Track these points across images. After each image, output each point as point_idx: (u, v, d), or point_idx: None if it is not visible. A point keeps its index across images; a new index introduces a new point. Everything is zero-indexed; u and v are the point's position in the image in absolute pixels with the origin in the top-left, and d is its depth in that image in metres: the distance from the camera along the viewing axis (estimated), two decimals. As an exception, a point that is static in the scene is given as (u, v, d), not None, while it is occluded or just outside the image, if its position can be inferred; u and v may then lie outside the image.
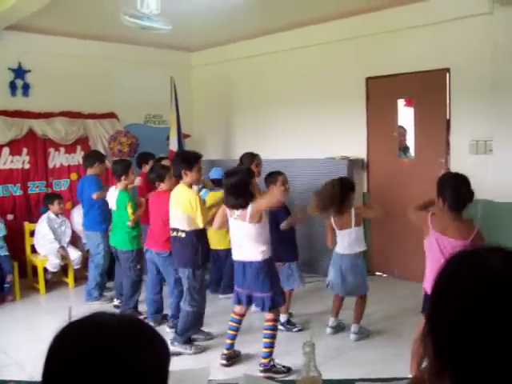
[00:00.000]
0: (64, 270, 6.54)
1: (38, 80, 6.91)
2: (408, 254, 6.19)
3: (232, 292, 4.83)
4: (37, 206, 6.83)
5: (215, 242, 5.39)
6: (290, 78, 7.34)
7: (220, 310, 5.27)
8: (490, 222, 4.85)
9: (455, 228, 3.40)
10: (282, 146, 7.38)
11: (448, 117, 5.84)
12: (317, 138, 7.03)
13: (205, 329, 4.75)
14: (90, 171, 6.02)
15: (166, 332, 4.77)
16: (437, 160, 5.92)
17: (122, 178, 5.34)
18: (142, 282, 5.43)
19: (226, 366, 4.16)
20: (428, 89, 5.99)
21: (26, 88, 6.86)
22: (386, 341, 4.61)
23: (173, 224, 4.50)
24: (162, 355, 1.03)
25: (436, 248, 3.43)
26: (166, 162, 6.60)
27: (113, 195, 5.39)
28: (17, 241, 6.45)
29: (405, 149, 6.45)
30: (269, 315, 4.03)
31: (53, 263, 6.27)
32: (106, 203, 5.65)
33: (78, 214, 6.51)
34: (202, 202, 4.54)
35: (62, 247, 6.35)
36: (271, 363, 4.00)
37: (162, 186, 5.04)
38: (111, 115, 7.60)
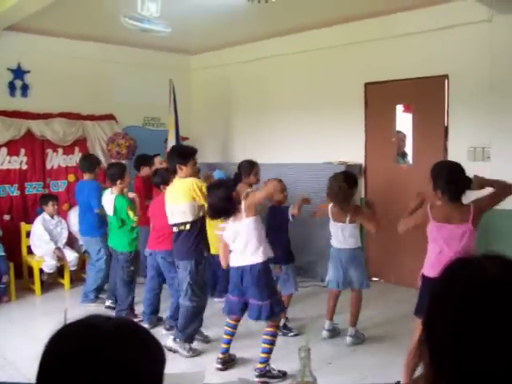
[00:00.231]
0: (60, 271, 6.53)
1: (37, 81, 6.91)
2: (405, 260, 6.19)
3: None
4: (34, 207, 6.82)
5: (212, 246, 5.38)
6: (289, 82, 7.35)
7: (216, 313, 5.25)
8: (487, 229, 4.85)
9: (457, 214, 3.41)
10: (280, 150, 7.38)
11: (446, 123, 5.85)
12: (315, 142, 7.03)
13: (203, 331, 4.74)
14: (89, 176, 6.01)
15: (162, 334, 4.76)
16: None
17: (118, 182, 5.33)
18: (134, 282, 5.43)
19: (221, 370, 4.15)
20: (426, 95, 6.00)
21: (24, 89, 6.86)
22: (382, 347, 4.60)
23: (174, 219, 4.46)
24: (157, 358, 1.02)
25: (437, 236, 3.44)
26: (157, 160, 6.65)
27: (108, 200, 5.37)
28: (13, 241, 6.43)
29: (403, 154, 6.46)
30: (272, 321, 4.01)
31: (49, 264, 6.25)
32: (102, 207, 5.63)
33: (74, 216, 6.49)
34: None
35: (58, 248, 6.34)
36: (267, 368, 3.99)
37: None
38: (110, 117, 7.59)
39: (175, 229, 4.46)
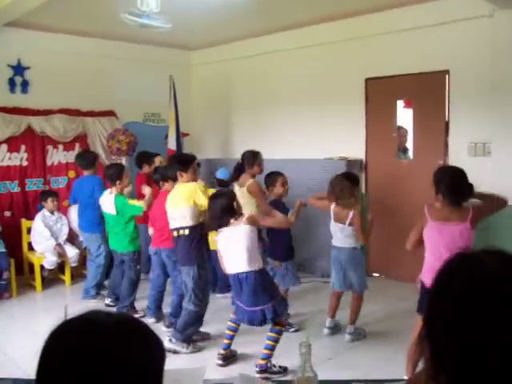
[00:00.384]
0: (61, 267, 6.53)
1: (36, 77, 6.91)
2: (405, 256, 6.16)
3: (229, 291, 4.83)
4: (34, 204, 6.82)
5: (210, 243, 5.38)
6: (290, 78, 7.34)
7: (217, 309, 5.26)
8: (487, 225, 4.84)
9: (456, 214, 3.42)
10: (280, 145, 7.37)
11: (447, 119, 5.85)
12: (316, 138, 7.03)
13: (202, 329, 4.74)
14: (89, 172, 6.02)
15: (162, 331, 4.76)
16: (435, 161, 5.91)
17: (117, 182, 5.32)
18: (139, 281, 5.46)
19: (222, 365, 4.16)
20: (427, 90, 5.99)
21: (24, 85, 6.86)
22: (383, 342, 4.60)
23: (173, 224, 4.48)
24: (157, 354, 1.03)
25: (434, 237, 3.44)
26: (157, 159, 6.64)
27: (108, 200, 5.34)
28: (14, 238, 6.44)
29: (404, 149, 6.45)
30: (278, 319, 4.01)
31: (49, 260, 6.26)
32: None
33: (75, 212, 6.48)
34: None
35: (59, 244, 6.34)
36: (268, 364, 3.99)
37: (167, 186, 5.05)
38: (110, 113, 7.59)
39: (175, 233, 4.47)
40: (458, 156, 5.70)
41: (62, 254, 6.33)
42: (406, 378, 3.36)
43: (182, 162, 4.57)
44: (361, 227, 4.57)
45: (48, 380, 0.95)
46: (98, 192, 5.68)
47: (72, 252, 6.41)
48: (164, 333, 4.65)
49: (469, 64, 5.56)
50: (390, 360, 4.07)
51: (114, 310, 5.31)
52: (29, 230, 6.49)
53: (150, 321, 5.05)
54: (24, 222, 6.55)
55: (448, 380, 0.93)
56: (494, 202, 3.58)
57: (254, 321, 3.99)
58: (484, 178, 5.23)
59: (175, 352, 4.37)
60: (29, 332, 4.90)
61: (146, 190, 5.38)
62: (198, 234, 4.42)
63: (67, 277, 6.48)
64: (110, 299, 5.76)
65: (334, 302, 4.82)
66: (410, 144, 6.35)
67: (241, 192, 4.99)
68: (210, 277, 5.90)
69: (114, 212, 5.28)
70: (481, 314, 0.89)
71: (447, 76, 5.77)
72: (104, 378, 0.91)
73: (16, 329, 5.13)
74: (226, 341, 4.26)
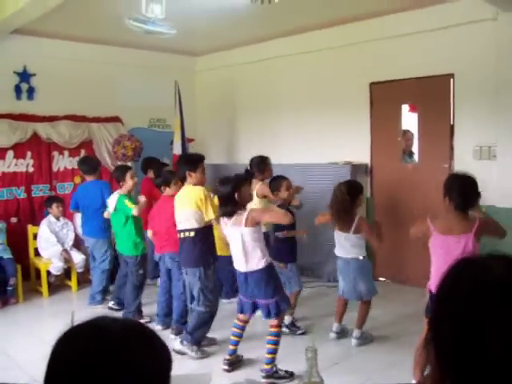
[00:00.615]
0: (67, 273, 6.55)
1: (42, 84, 6.94)
2: (411, 260, 6.18)
3: (234, 296, 4.83)
4: (40, 210, 6.84)
5: (217, 248, 5.38)
6: (294, 83, 7.35)
7: (223, 314, 5.25)
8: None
9: (459, 225, 3.43)
10: (285, 150, 7.37)
11: (452, 122, 5.84)
12: (320, 142, 7.03)
13: (209, 334, 4.73)
14: (92, 177, 6.03)
15: (171, 339, 4.74)
16: (440, 165, 5.91)
17: (121, 183, 5.35)
18: (143, 286, 5.45)
19: (227, 371, 4.15)
20: (432, 94, 5.99)
21: (30, 91, 6.89)
22: (389, 347, 4.59)
23: (180, 226, 4.49)
24: (164, 360, 1.03)
25: (440, 248, 3.44)
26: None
27: (112, 198, 5.38)
28: (20, 244, 6.46)
29: (410, 153, 6.45)
30: (273, 321, 4.01)
31: (56, 266, 6.27)
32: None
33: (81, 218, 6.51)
34: (209, 193, 4.52)
35: (65, 250, 6.36)
36: (273, 369, 3.99)
37: (168, 191, 5.05)
38: (115, 119, 7.62)
39: (181, 235, 4.47)
40: (463, 159, 5.69)
41: (68, 260, 6.35)
42: (413, 382, 3.35)
43: (191, 162, 4.53)
44: (371, 230, 4.55)
45: None
46: (108, 195, 5.69)
47: (78, 258, 6.42)
48: (172, 340, 4.62)
49: (473, 67, 5.56)
50: (398, 364, 4.06)
51: (118, 314, 5.32)
52: (35, 236, 6.51)
53: (157, 328, 5.01)
54: (30, 228, 6.57)
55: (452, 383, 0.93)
56: (500, 226, 3.57)
57: (260, 309, 4.01)
58: (489, 181, 5.23)
59: (184, 354, 4.38)
60: (35, 337, 4.91)
61: (141, 199, 5.45)
62: (203, 237, 4.41)
63: (73, 282, 6.49)
64: (112, 302, 5.78)
65: (341, 307, 4.80)
66: (415, 148, 6.35)
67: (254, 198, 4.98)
68: (216, 282, 5.91)
69: (112, 210, 5.32)
70: (486, 318, 0.89)
71: (452, 80, 5.76)
72: (111, 382, 0.91)
73: (22, 334, 5.14)
74: (231, 346, 4.26)
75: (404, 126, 6.39)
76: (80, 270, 6.50)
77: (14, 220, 6.71)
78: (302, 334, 4.86)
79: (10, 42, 6.47)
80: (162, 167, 6.46)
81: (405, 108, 6.37)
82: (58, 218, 6.50)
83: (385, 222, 6.38)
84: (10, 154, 6.70)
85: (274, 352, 4.00)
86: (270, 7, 5.74)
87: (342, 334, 4.80)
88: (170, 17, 4.73)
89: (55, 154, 7.11)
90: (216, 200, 4.34)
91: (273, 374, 3.96)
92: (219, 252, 5.51)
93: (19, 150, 6.76)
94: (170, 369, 1.04)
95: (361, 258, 4.60)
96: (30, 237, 6.56)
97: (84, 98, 7.23)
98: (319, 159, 6.85)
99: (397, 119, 6.37)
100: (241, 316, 4.23)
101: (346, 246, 4.60)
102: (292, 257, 4.97)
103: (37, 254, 6.51)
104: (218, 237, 5.38)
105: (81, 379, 0.91)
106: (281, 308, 3.97)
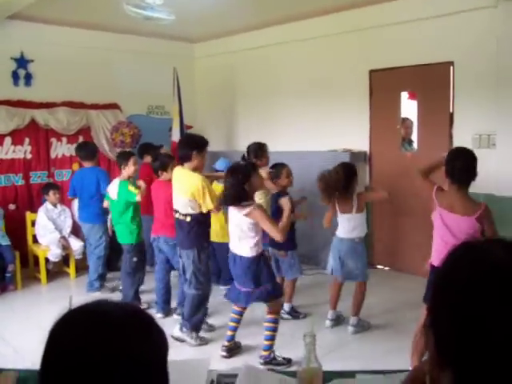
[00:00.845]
0: (65, 260, 6.56)
1: (40, 70, 6.90)
2: (410, 247, 6.19)
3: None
4: (38, 196, 6.83)
5: (216, 234, 5.39)
6: (293, 70, 7.32)
7: (221, 301, 5.26)
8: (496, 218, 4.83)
9: (461, 204, 3.43)
10: (284, 137, 7.36)
11: (451, 110, 5.82)
12: (319, 130, 7.02)
13: (207, 320, 4.76)
14: (90, 164, 6.02)
15: (174, 319, 4.77)
16: (439, 153, 5.87)
17: (122, 167, 5.35)
18: (139, 273, 5.42)
19: (226, 357, 4.18)
20: (432, 82, 5.96)
21: (28, 78, 6.85)
22: (387, 334, 4.61)
23: (176, 206, 4.45)
24: (160, 344, 1.03)
25: (441, 224, 3.46)
26: (163, 151, 6.61)
27: (113, 185, 5.37)
28: (18, 231, 6.46)
29: (409, 141, 6.44)
30: (270, 308, 4.03)
31: (54, 253, 6.28)
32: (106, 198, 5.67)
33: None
34: (208, 182, 4.44)
35: (64, 237, 6.36)
36: (271, 355, 4.01)
37: (165, 176, 5.04)
38: (114, 106, 7.59)
39: (177, 215, 4.45)
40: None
41: (66, 247, 6.36)
42: (411, 368, 3.36)
43: (199, 144, 4.44)
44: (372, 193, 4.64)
45: (52, 368, 0.95)
46: (104, 184, 5.70)
47: (77, 245, 6.43)
48: (176, 320, 4.68)
49: (473, 55, 5.53)
50: (395, 351, 4.08)
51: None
52: (33, 223, 6.52)
53: (157, 316, 5.03)
54: (28, 215, 6.57)
55: (452, 369, 0.93)
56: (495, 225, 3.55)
57: (240, 300, 4.05)
58: (489, 169, 5.22)
59: (183, 341, 4.39)
60: (33, 323, 4.92)
61: (141, 184, 5.40)
62: (199, 222, 4.39)
63: (72, 269, 6.50)
64: None
65: (335, 292, 4.82)
66: (414, 136, 6.34)
67: None
68: (215, 268, 5.92)
69: (115, 197, 5.29)
70: (486, 303, 0.89)
71: (451, 67, 5.74)
72: (108, 367, 0.91)
73: (20, 321, 5.16)
74: (229, 332, 4.28)
75: (403, 114, 6.37)
76: (78, 257, 6.50)
77: (11, 207, 6.70)
78: (305, 316, 4.96)
79: (6, 27, 6.42)
80: (157, 150, 6.47)
81: (404, 95, 6.35)
82: (55, 205, 6.49)
83: (383, 210, 6.40)
84: (8, 140, 6.67)
85: (271, 338, 4.03)
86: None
87: (338, 321, 4.83)
88: (168, 3, 4.70)
89: (53, 140, 7.08)
90: (219, 187, 4.32)
91: (271, 361, 3.99)
92: (220, 239, 5.54)
93: (17, 136, 6.74)
94: (166, 354, 1.04)
95: (356, 237, 4.63)
96: (28, 224, 6.56)
97: (82, 84, 7.19)
98: (318, 147, 6.84)
99: (396, 107, 6.35)
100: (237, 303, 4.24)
101: (348, 226, 4.62)
102: (292, 244, 4.97)
103: (35, 240, 6.52)
104: (221, 225, 5.40)
105: (77, 363, 0.91)
106: (267, 297, 3.96)
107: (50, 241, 6.30)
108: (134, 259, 5.34)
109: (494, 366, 0.87)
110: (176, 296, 5.12)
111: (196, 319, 4.50)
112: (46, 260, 6.35)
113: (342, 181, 4.51)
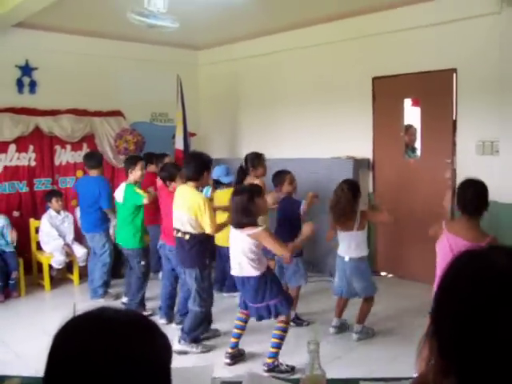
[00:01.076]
0: (69, 266, 6.56)
1: (44, 77, 6.93)
2: (413, 255, 6.18)
3: (236, 291, 4.83)
4: (42, 204, 6.83)
5: (221, 239, 5.38)
6: (297, 77, 7.33)
7: (225, 308, 5.27)
8: (495, 223, 4.82)
9: (469, 232, 3.40)
10: (287, 145, 7.37)
11: (454, 117, 5.82)
12: (323, 137, 7.02)
13: (211, 326, 4.75)
14: (96, 172, 6.03)
15: (173, 328, 4.76)
16: (443, 160, 5.90)
17: (129, 171, 5.37)
18: (147, 277, 5.44)
19: (229, 364, 4.16)
20: (435, 89, 5.97)
21: (32, 85, 6.88)
22: (391, 341, 4.59)
23: (177, 224, 4.46)
24: (164, 351, 1.03)
25: (446, 247, 3.44)
26: (168, 160, 6.61)
27: (120, 188, 5.39)
28: (22, 237, 6.46)
29: (413, 148, 6.44)
30: (281, 317, 4.01)
31: (58, 260, 6.28)
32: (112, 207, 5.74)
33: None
34: (210, 204, 4.46)
35: (67, 244, 6.37)
36: (275, 363, 4.00)
37: (174, 185, 5.05)
38: (117, 113, 7.60)
39: (177, 234, 4.46)
40: (465, 155, 5.68)
41: (70, 254, 6.36)
42: (415, 375, 3.35)
43: (208, 163, 4.53)
44: (375, 213, 4.71)
45: (56, 375, 0.95)
46: (104, 198, 5.77)
47: (80, 251, 6.43)
48: (175, 330, 4.64)
49: (476, 62, 5.53)
50: (399, 359, 4.06)
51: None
52: (37, 230, 6.52)
53: (160, 322, 5.02)
54: (32, 222, 6.58)
55: (456, 376, 0.93)
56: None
57: (262, 316, 4.02)
58: (492, 176, 5.21)
59: (185, 353, 4.37)
60: (37, 330, 4.91)
61: (151, 190, 5.46)
62: (200, 242, 4.38)
63: (75, 276, 6.51)
64: (126, 298, 5.71)
65: (341, 304, 4.82)
66: (417, 143, 6.34)
67: None
68: (219, 275, 5.91)
69: (121, 200, 5.31)
70: (489, 311, 0.89)
71: (455, 74, 5.74)
72: (112, 373, 0.91)
73: (24, 327, 5.15)
74: (233, 339, 4.27)
75: (406, 121, 6.37)
76: (82, 264, 6.50)
77: (16, 214, 6.71)
78: (308, 324, 4.94)
79: (11, 35, 6.46)
80: (162, 159, 6.46)
81: (407, 102, 6.35)
82: (58, 212, 6.51)
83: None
84: (12, 147, 6.69)
85: (278, 346, 4.02)
86: (272, 1, 5.73)
87: (342, 328, 4.81)
88: (172, 10, 4.72)
89: (57, 147, 7.10)
90: (222, 196, 4.31)
91: (274, 368, 3.97)
92: (225, 244, 5.53)
93: (21, 143, 6.76)
94: (170, 360, 1.04)
95: (359, 256, 4.62)
96: (32, 230, 6.57)
97: (86, 92, 7.22)
98: (322, 154, 6.84)
99: (399, 114, 6.36)
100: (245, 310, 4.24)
101: (350, 245, 4.61)
102: (298, 251, 4.97)
103: (39, 247, 6.53)
104: (227, 229, 5.36)
105: (81, 369, 0.91)
106: (280, 310, 3.96)
107: (54, 248, 6.30)
108: (142, 263, 5.36)
109: (499, 373, 0.87)
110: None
111: (196, 333, 4.51)
112: (50, 267, 6.35)
113: (351, 201, 4.53)
